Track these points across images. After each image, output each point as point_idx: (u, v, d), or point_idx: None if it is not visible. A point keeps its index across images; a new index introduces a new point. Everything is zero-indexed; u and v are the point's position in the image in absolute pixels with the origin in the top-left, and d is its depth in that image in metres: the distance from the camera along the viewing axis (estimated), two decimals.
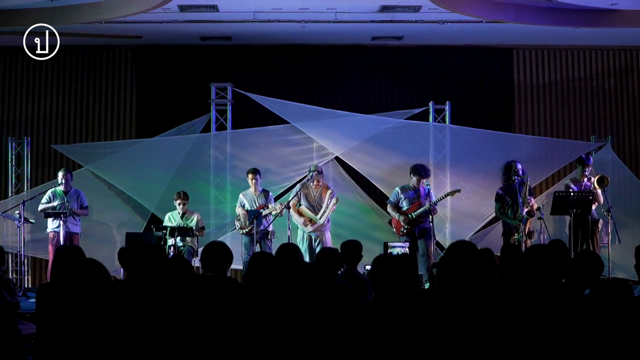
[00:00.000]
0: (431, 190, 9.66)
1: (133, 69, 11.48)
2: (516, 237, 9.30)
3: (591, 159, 9.87)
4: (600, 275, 4.29)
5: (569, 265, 4.13)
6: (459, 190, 9.75)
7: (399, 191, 9.68)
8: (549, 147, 10.98)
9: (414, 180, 9.64)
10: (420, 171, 9.61)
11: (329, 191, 9.73)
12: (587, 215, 9.42)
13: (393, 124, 10.62)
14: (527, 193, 9.35)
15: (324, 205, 9.60)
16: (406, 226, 9.52)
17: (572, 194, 9.43)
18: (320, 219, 9.59)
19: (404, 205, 9.60)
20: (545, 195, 10.57)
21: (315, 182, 9.62)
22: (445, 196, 9.72)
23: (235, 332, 3.41)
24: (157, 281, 4.54)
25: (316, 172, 9.62)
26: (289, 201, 9.53)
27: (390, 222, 9.88)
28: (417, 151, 10.55)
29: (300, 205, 9.63)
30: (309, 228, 9.61)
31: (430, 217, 9.43)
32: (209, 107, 10.79)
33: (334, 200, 9.62)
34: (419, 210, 9.48)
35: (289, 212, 9.44)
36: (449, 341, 3.56)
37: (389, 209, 9.78)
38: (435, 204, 9.54)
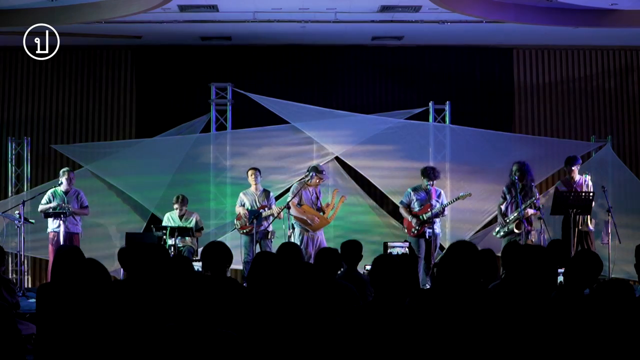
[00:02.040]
0: (442, 192, 9.65)
1: (133, 69, 11.48)
2: (499, 233, 9.43)
3: (579, 159, 9.80)
4: (600, 275, 4.29)
5: (569, 264, 4.12)
6: (469, 194, 9.65)
7: (411, 192, 9.61)
8: (549, 147, 10.97)
9: (424, 182, 9.57)
10: (429, 174, 9.52)
11: (336, 190, 9.77)
12: (587, 215, 9.40)
13: (393, 124, 10.62)
14: (527, 202, 9.25)
15: (332, 204, 9.61)
16: (417, 227, 9.48)
17: (572, 194, 9.42)
18: (329, 217, 9.59)
19: (415, 206, 9.55)
20: (545, 195, 10.57)
21: (316, 181, 9.60)
22: (456, 199, 9.64)
23: (235, 332, 3.41)
24: (157, 281, 4.54)
25: (316, 172, 9.59)
26: (289, 202, 9.51)
27: (402, 222, 9.89)
28: (417, 151, 10.55)
29: (302, 204, 9.57)
30: (315, 224, 9.54)
31: (440, 218, 9.49)
32: (209, 107, 10.79)
33: (341, 199, 9.66)
34: (429, 213, 9.42)
35: (288, 212, 9.42)
36: (449, 341, 3.56)
37: (401, 209, 9.73)
38: (446, 206, 9.55)
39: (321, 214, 9.59)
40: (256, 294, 4.62)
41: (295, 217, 9.53)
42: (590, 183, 9.60)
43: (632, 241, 9.87)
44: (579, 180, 9.60)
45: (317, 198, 9.67)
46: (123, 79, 11.49)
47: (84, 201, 10.00)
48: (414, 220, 9.48)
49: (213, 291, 3.39)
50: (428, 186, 9.50)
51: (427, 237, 9.45)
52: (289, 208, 9.40)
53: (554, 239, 8.52)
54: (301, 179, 9.95)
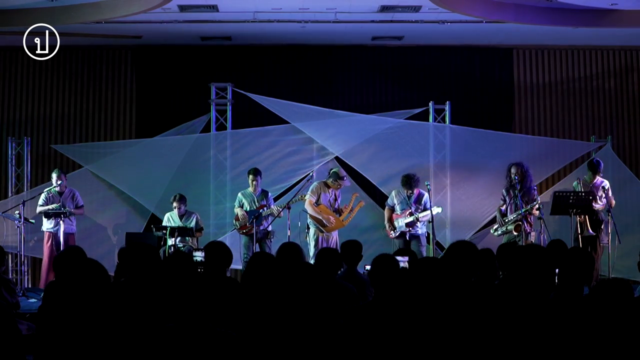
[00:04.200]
0: (424, 196, 9.62)
1: (133, 69, 11.48)
2: (497, 232, 9.48)
3: (602, 164, 9.74)
4: (593, 271, 4.29)
5: (561, 265, 4.12)
6: (439, 209, 9.69)
7: (394, 195, 9.75)
8: (549, 147, 10.97)
9: (404, 189, 9.68)
10: (405, 183, 9.59)
11: (355, 194, 9.79)
12: (587, 215, 9.37)
13: (393, 124, 10.62)
14: (528, 207, 9.24)
15: (349, 207, 9.63)
16: (393, 232, 9.60)
17: (572, 194, 9.41)
18: (344, 219, 9.60)
19: (397, 209, 9.66)
20: (546, 195, 10.56)
21: (337, 185, 9.62)
22: (431, 214, 9.50)
23: (234, 332, 3.41)
24: (157, 281, 4.54)
25: (336, 177, 9.59)
26: (289, 201, 9.52)
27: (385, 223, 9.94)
28: (417, 151, 10.55)
29: (319, 204, 9.56)
30: (330, 225, 9.54)
31: (430, 221, 9.44)
32: (209, 107, 10.79)
33: (359, 204, 9.70)
34: (409, 219, 9.50)
35: (288, 212, 9.43)
36: (449, 341, 3.56)
37: (386, 211, 9.83)
38: (418, 218, 9.52)
39: (337, 215, 9.61)
40: (251, 294, 4.61)
41: (311, 216, 9.55)
42: (607, 185, 9.53)
43: (632, 241, 9.89)
44: (597, 182, 9.56)
45: (336, 200, 9.70)
46: (123, 79, 11.49)
47: (79, 201, 10.02)
48: (388, 226, 9.66)
49: (213, 291, 3.39)
50: (407, 192, 9.60)
51: (407, 238, 9.52)
52: (289, 208, 9.41)
53: (553, 239, 8.51)
54: (303, 178, 9.98)
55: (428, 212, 9.47)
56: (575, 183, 9.79)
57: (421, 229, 9.60)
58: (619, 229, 9.32)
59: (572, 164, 11.01)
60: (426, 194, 9.66)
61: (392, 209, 9.72)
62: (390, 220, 9.66)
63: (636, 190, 10.65)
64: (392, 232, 9.63)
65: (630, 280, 9.16)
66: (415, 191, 9.64)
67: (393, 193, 9.78)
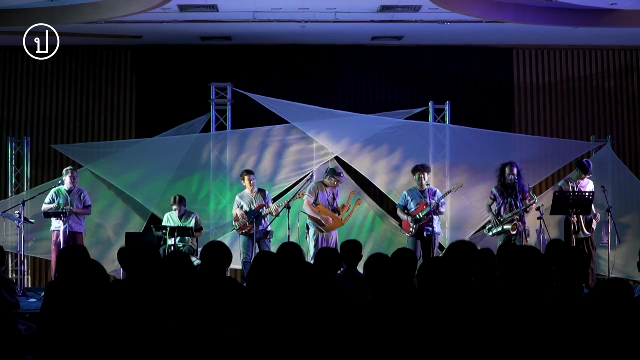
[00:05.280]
0: (437, 191, 9.67)
1: (133, 69, 11.48)
2: (492, 231, 9.47)
3: (592, 166, 9.75)
4: (589, 269, 4.29)
5: (561, 263, 4.12)
6: (461, 186, 9.78)
7: (407, 194, 9.72)
8: (549, 147, 10.97)
9: (416, 179, 9.66)
10: (419, 168, 9.64)
11: (353, 192, 9.79)
12: (587, 215, 9.39)
13: (393, 124, 10.62)
14: (527, 204, 9.27)
15: (348, 206, 9.63)
16: (414, 226, 9.53)
17: (571, 194, 9.41)
18: (343, 218, 9.60)
19: (412, 207, 9.61)
20: (546, 195, 10.56)
21: (335, 183, 9.63)
22: (448, 193, 9.72)
23: (235, 332, 3.41)
24: (157, 281, 4.54)
25: (333, 174, 9.62)
26: (289, 201, 9.52)
27: (400, 225, 9.92)
28: (417, 151, 10.55)
29: (317, 204, 9.56)
30: (329, 225, 9.54)
31: (439, 217, 9.46)
32: (209, 107, 10.79)
33: (357, 202, 9.70)
34: (425, 211, 9.48)
35: (288, 212, 9.43)
36: (449, 340, 3.56)
37: (398, 212, 9.82)
38: (440, 202, 9.54)
39: (336, 215, 9.61)
40: (256, 294, 4.61)
41: (310, 217, 9.54)
42: (592, 185, 9.56)
43: (632, 241, 9.89)
44: (583, 182, 9.58)
45: (334, 199, 9.70)
46: (123, 79, 11.49)
47: (87, 200, 10.00)
48: (410, 219, 9.52)
49: (213, 291, 3.39)
50: (422, 182, 9.56)
51: (425, 236, 9.48)
52: (289, 208, 9.41)
53: (554, 239, 8.52)
54: (303, 178, 9.97)
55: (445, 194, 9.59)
56: (562, 182, 9.81)
57: (437, 227, 9.55)
58: (618, 229, 9.33)
59: (572, 164, 11.00)
60: (437, 190, 9.72)
61: (404, 208, 9.68)
62: (411, 215, 9.59)
63: (636, 190, 10.66)
64: (413, 224, 9.54)
65: (630, 281, 9.23)
66: (428, 189, 9.61)
67: (405, 193, 9.76)
